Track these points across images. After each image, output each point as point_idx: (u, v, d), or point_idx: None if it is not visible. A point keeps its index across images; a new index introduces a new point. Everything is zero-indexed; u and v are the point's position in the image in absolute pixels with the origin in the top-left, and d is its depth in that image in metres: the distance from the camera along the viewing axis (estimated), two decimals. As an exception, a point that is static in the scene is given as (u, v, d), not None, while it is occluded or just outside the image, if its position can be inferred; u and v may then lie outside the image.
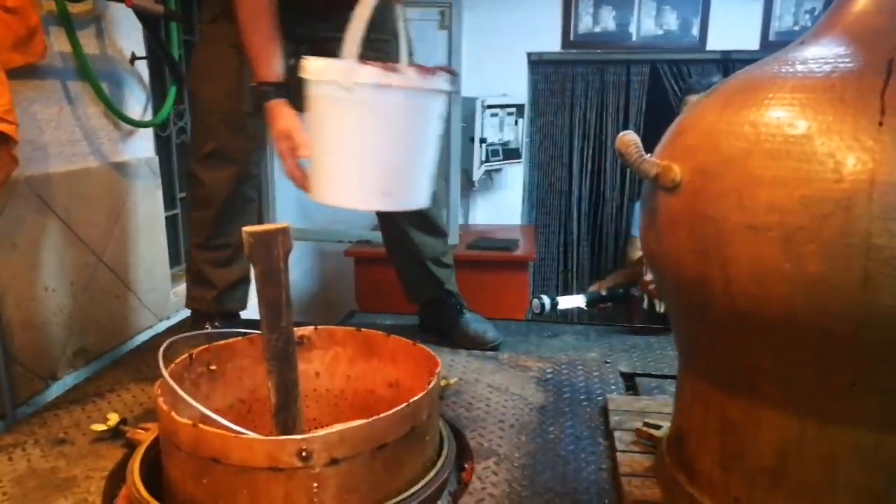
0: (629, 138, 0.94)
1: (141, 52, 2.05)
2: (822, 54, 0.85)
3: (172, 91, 2.15)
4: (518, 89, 3.57)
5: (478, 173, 3.21)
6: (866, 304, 0.73)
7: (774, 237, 0.77)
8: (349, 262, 3.03)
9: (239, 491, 0.95)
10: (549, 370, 1.57)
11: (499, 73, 3.56)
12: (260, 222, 1.97)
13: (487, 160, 3.27)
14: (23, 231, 1.59)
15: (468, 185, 3.41)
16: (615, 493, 1.08)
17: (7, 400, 1.50)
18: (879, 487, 0.81)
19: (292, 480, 0.94)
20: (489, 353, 1.68)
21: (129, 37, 2.00)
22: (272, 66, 1.42)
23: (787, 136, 0.78)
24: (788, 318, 0.78)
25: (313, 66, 1.23)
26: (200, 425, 0.95)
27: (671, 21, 3.54)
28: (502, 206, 3.68)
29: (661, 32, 3.55)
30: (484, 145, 3.20)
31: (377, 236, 2.16)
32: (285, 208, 3.22)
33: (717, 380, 0.94)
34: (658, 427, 1.19)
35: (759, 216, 0.78)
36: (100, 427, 1.24)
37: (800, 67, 0.85)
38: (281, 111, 1.39)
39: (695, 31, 3.50)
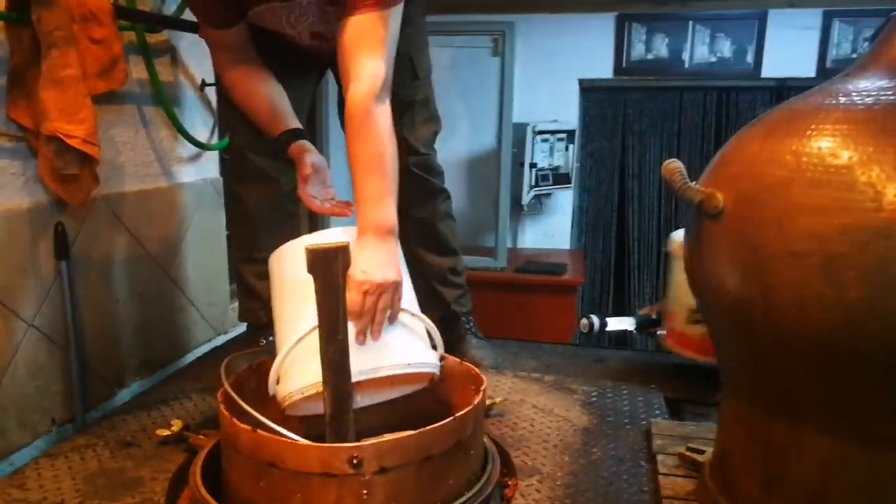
0: (674, 166, 0.97)
1: (210, 79, 2.17)
2: (866, 87, 0.87)
3: (237, 116, 2.26)
4: (569, 115, 3.60)
5: (527, 198, 3.25)
6: (906, 330, 0.74)
7: (814, 264, 0.79)
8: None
9: (293, 494, 1.01)
10: (594, 393, 1.59)
11: (550, 99, 3.61)
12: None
13: (537, 185, 3.31)
14: (98, 246, 1.71)
15: (517, 210, 3.46)
16: (658, 514, 1.09)
17: (79, 404, 1.60)
18: (923, 515, 0.82)
19: (343, 486, 0.99)
20: (535, 375, 1.71)
21: (200, 65, 2.12)
22: (283, 121, 1.47)
23: (828, 165, 0.81)
24: (829, 343, 0.80)
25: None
26: (259, 431, 1.02)
27: (725, 48, 3.53)
28: (551, 230, 3.70)
29: (714, 60, 3.55)
30: (534, 170, 3.24)
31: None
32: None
33: (759, 402, 0.95)
34: (702, 452, 1.19)
35: (800, 243, 0.81)
36: (164, 432, 1.32)
37: (843, 99, 0.87)
38: (302, 154, 1.44)
39: (749, 58, 3.48)
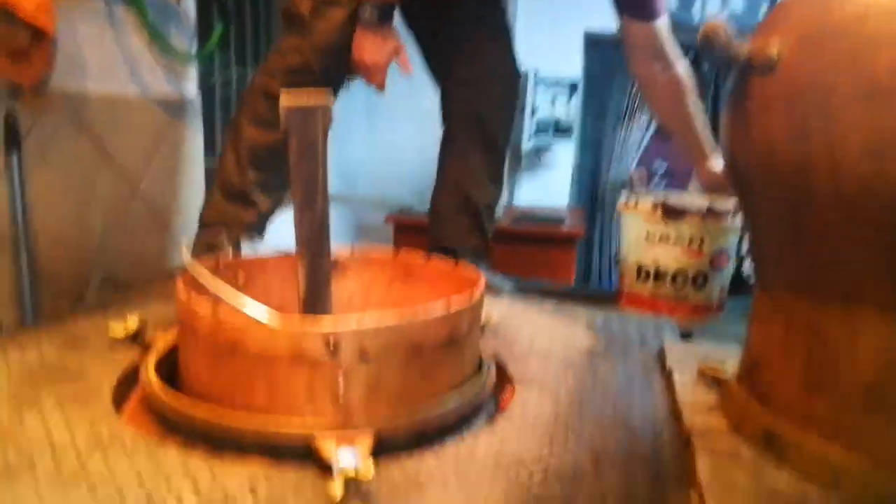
0: (719, 22, 0.83)
1: (189, -15, 2.01)
2: None
3: (218, 30, 2.10)
4: (571, 68, 3.46)
5: (527, 144, 3.10)
6: None
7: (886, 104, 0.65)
8: (388, 229, 2.95)
9: (256, 383, 0.86)
10: (598, 318, 1.45)
11: (554, 52, 3.46)
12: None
13: (537, 134, 3.16)
14: (56, 146, 1.55)
15: (515, 164, 3.31)
16: (674, 424, 0.96)
17: (30, 311, 1.45)
18: None
19: (316, 374, 0.85)
20: (532, 299, 1.57)
21: (177, -31, 1.96)
22: None
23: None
24: (902, 194, 0.66)
25: None
26: (220, 309, 0.87)
27: (737, 4, 3.40)
28: (550, 186, 3.56)
29: (725, 15, 3.41)
30: (534, 117, 3.09)
31: (418, 203, 2.13)
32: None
33: (807, 289, 0.81)
34: (722, 368, 1.06)
35: (880, 80, 0.67)
36: (119, 329, 1.17)
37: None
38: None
39: (762, 13, 3.35)
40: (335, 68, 1.56)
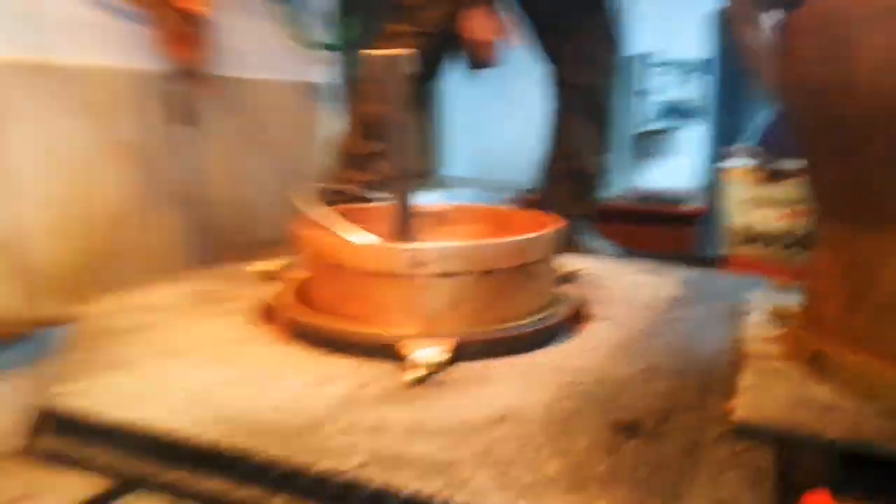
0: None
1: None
2: None
3: (355, 22, 2.34)
4: (696, 50, 3.40)
5: (644, 129, 3.12)
6: None
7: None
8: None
9: (357, 294, 1.05)
10: (693, 275, 1.51)
11: (676, 33, 3.42)
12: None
13: (659, 118, 3.17)
14: (219, 122, 1.84)
15: (642, 147, 3.33)
16: (735, 352, 1.03)
17: (197, 259, 1.75)
18: None
19: (406, 287, 1.01)
20: (630, 258, 1.65)
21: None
22: None
23: None
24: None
25: None
26: (326, 235, 1.06)
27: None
28: (677, 169, 3.53)
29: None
30: (651, 100, 3.10)
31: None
32: (457, 155, 3.37)
33: (844, 213, 0.87)
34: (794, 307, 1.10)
35: (887, 6, 0.72)
36: (264, 268, 1.41)
37: None
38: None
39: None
40: (437, 52, 1.76)
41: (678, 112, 3.21)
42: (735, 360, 0.99)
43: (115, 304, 1.25)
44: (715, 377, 0.95)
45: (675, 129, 3.38)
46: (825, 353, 0.88)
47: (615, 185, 3.00)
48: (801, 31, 0.84)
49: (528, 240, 1.07)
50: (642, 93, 3.20)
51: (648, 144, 3.28)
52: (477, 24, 1.67)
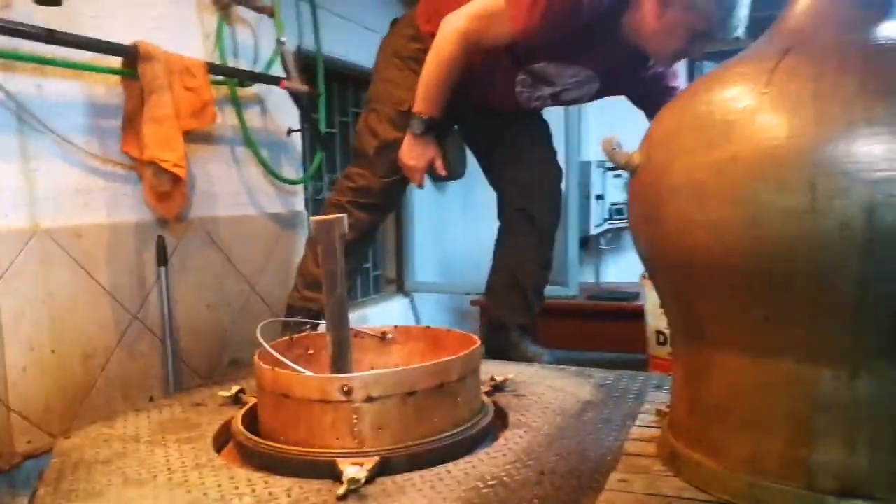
0: (609, 139, 1.14)
1: (296, 126, 2.55)
2: (759, 47, 1.01)
3: (318, 157, 2.61)
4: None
5: (596, 230, 3.37)
6: (756, 239, 0.86)
7: (687, 193, 0.93)
8: (475, 310, 3.29)
9: (300, 421, 1.23)
10: (610, 378, 1.69)
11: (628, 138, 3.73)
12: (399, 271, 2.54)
13: (611, 218, 3.42)
14: (194, 258, 2.06)
15: (595, 245, 3.57)
16: (619, 451, 1.20)
17: (171, 387, 1.92)
18: (803, 413, 0.90)
19: (337, 412, 1.20)
20: (560, 366, 1.84)
21: (286, 114, 2.51)
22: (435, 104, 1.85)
23: (698, 115, 0.95)
24: (706, 261, 0.93)
25: None
26: (276, 368, 1.26)
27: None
28: (633, 265, 3.76)
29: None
30: (603, 203, 3.37)
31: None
32: (424, 263, 3.60)
33: (683, 333, 1.07)
34: (677, 408, 1.29)
35: (678, 178, 0.95)
36: (224, 394, 1.59)
37: (733, 61, 1.02)
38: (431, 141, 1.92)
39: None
40: (389, 190, 2.02)
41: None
42: (616, 459, 1.16)
43: (90, 436, 1.42)
44: (594, 476, 1.12)
45: (626, 228, 3.63)
46: (677, 451, 1.06)
47: (570, 284, 3.21)
48: (633, 197, 1.07)
49: (446, 362, 1.26)
50: (595, 196, 3.47)
51: (601, 244, 3.52)
52: (411, 151, 1.91)
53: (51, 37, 1.56)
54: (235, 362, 2.22)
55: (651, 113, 2.02)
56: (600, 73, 1.92)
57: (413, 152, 1.92)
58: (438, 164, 1.94)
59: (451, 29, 1.76)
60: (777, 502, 0.92)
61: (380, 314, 3.36)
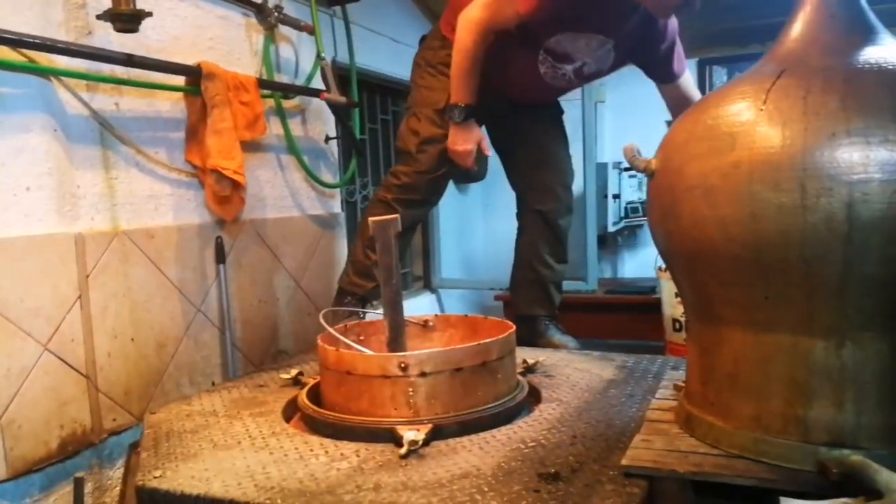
0: (630, 146, 1.32)
1: (333, 134, 2.75)
2: (758, 69, 1.19)
3: (353, 163, 2.80)
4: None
5: (613, 227, 3.54)
6: (756, 232, 1.04)
7: (699, 193, 1.11)
8: (498, 305, 3.47)
9: (362, 394, 1.41)
10: (631, 361, 1.87)
11: (639, 140, 3.90)
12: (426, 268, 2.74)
13: (627, 216, 3.59)
14: (247, 257, 2.26)
15: (613, 241, 3.74)
16: (641, 419, 1.37)
17: (230, 374, 2.12)
18: (799, 378, 1.07)
19: (395, 385, 1.38)
20: (585, 350, 2.01)
21: (325, 123, 2.70)
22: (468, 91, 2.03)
23: (708, 126, 1.13)
24: (715, 250, 1.10)
25: None
26: (340, 349, 1.44)
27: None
28: (649, 260, 3.93)
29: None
30: (618, 202, 3.54)
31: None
32: (449, 258, 3.78)
33: (697, 314, 1.24)
34: (692, 383, 1.46)
35: (691, 180, 1.13)
36: (285, 376, 1.78)
37: (736, 81, 1.19)
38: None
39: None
40: (431, 186, 2.19)
41: (644, 209, 3.64)
42: (639, 426, 1.34)
43: (172, 412, 1.61)
44: (621, 439, 1.29)
45: (641, 226, 3.80)
46: (692, 415, 1.23)
47: (590, 280, 3.38)
48: (651, 197, 1.25)
49: (487, 343, 1.44)
50: (611, 196, 3.64)
51: (618, 241, 3.68)
52: (456, 137, 2.09)
53: (130, 60, 1.76)
54: (282, 352, 2.41)
55: (661, 86, 2.28)
56: (613, 42, 2.04)
57: (459, 139, 2.11)
58: (483, 144, 2.12)
59: (468, 20, 1.97)
60: (778, 453, 1.09)
61: (409, 309, 3.52)
